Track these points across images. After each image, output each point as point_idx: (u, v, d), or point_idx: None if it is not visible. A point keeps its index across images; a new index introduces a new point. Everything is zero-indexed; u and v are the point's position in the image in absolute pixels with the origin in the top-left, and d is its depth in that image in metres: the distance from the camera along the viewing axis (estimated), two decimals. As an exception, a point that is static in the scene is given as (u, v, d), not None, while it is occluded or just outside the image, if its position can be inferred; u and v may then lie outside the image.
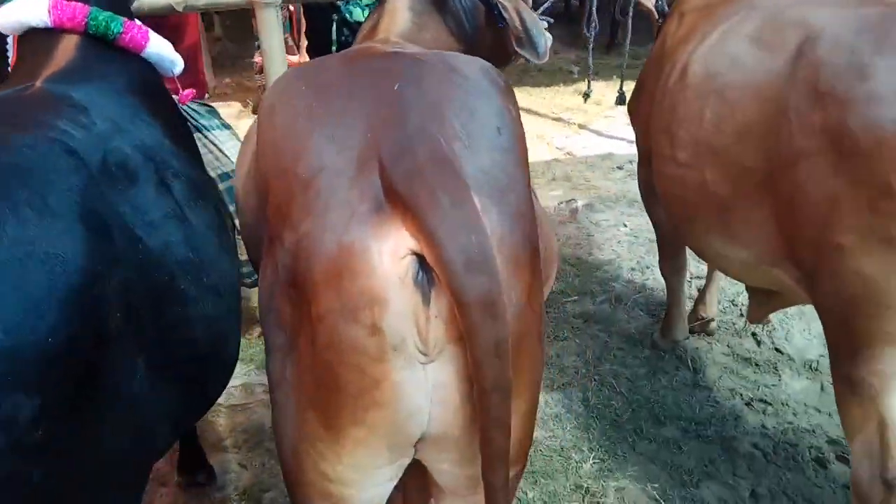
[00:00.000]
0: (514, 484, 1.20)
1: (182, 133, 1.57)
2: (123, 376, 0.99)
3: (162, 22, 2.46)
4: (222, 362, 1.19)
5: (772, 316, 2.92)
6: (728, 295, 3.10)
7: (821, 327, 1.65)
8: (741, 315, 2.98)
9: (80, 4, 1.54)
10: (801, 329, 2.88)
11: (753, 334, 2.87)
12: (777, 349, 2.78)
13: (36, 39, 1.54)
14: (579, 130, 5.51)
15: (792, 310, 2.95)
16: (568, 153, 5.05)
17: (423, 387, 1.00)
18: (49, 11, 1.50)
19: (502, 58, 2.09)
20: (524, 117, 1.27)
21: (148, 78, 1.64)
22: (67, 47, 1.51)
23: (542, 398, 2.48)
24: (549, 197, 4.20)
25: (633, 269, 3.40)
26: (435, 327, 0.96)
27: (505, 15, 2.01)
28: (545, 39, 2.00)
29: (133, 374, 1.01)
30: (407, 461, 1.12)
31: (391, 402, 1.00)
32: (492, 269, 0.93)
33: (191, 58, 2.61)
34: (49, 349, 0.82)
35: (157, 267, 1.14)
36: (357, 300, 0.95)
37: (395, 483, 1.15)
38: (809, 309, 2.67)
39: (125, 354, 0.99)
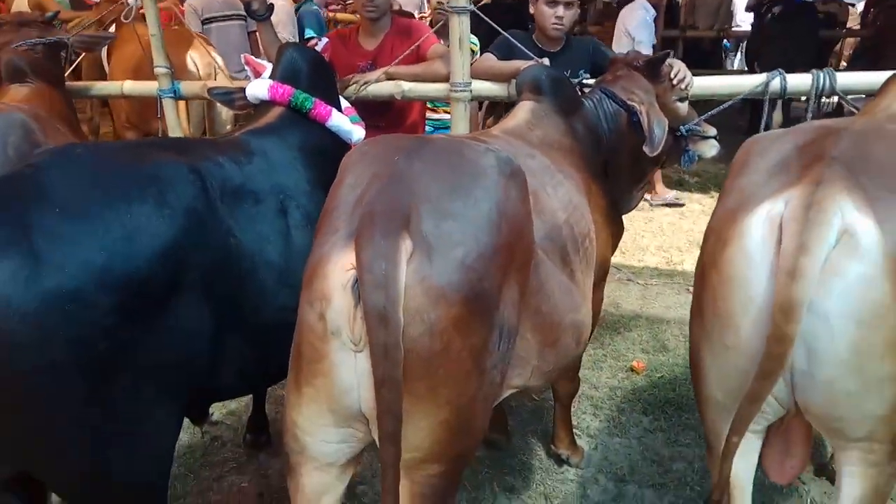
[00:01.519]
0: (435, 483, 1.46)
1: (326, 180, 2.17)
2: (189, 315, 1.56)
3: (389, 105, 3.20)
4: (284, 347, 1.56)
5: None
6: None
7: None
8: None
9: (288, 87, 2.26)
10: None
11: None
12: None
13: (261, 107, 2.30)
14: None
15: None
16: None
17: (353, 369, 1.36)
18: (268, 90, 2.25)
19: (650, 157, 2.37)
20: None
21: (324, 141, 2.29)
22: (273, 114, 2.24)
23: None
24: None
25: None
26: (360, 325, 1.33)
27: (640, 117, 2.29)
28: (660, 133, 2.22)
29: (199, 318, 1.59)
30: (357, 434, 1.48)
31: (329, 374, 1.38)
32: (391, 291, 1.27)
33: (414, 132, 3.31)
34: (134, 276, 1.43)
35: (245, 259, 1.71)
36: (315, 295, 1.37)
37: (348, 450, 1.51)
38: None
39: (193, 301, 1.57)
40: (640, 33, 5.35)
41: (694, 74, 2.58)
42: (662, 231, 5.29)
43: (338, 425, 1.46)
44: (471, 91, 2.87)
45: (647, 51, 5.32)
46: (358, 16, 3.46)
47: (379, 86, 3.00)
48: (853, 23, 8.41)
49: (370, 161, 1.54)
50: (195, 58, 4.26)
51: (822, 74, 2.57)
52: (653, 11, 5.51)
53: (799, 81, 2.62)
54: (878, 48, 6.26)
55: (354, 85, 2.96)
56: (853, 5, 9.69)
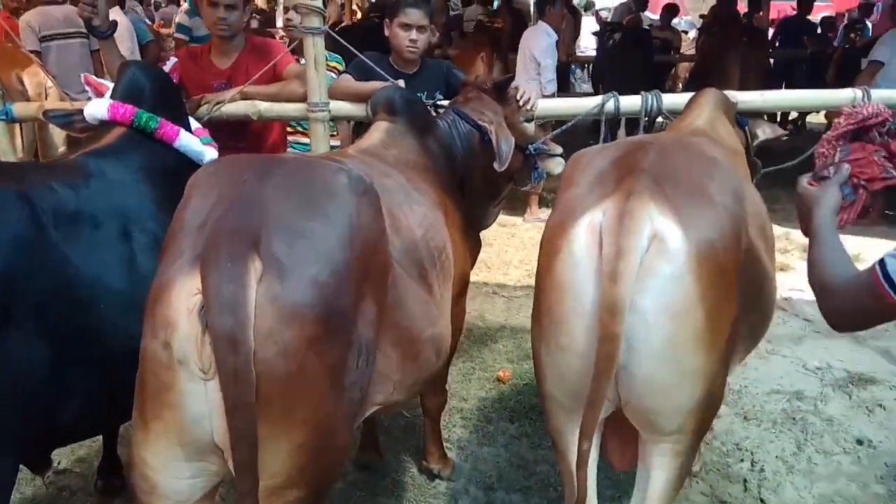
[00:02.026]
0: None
1: (175, 202, 2.09)
2: (20, 348, 1.45)
3: (246, 126, 3.13)
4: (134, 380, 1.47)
5: (766, 466, 2.80)
6: (735, 438, 2.99)
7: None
8: (741, 460, 2.86)
9: (130, 106, 2.15)
10: (800, 485, 2.70)
11: (744, 480, 2.75)
12: (762, 500, 2.64)
13: (100, 128, 2.17)
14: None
15: (801, 464, 2.80)
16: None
17: (203, 398, 1.31)
18: (108, 110, 2.13)
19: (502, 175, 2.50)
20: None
21: (171, 162, 2.19)
22: (114, 135, 2.12)
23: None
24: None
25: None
26: (208, 351, 1.28)
27: (490, 136, 2.40)
28: (507, 150, 2.36)
29: (33, 351, 1.48)
30: (210, 467, 1.41)
31: (178, 405, 1.32)
32: (240, 314, 1.24)
33: (275, 152, 3.24)
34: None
35: (84, 287, 1.61)
36: (159, 322, 1.31)
37: (202, 485, 1.44)
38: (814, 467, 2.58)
39: (25, 334, 1.46)
40: (545, 58, 5.60)
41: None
42: (525, 245, 5.51)
43: (189, 459, 1.39)
44: (329, 111, 2.88)
45: (551, 74, 5.65)
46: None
47: (234, 106, 2.93)
48: (687, 48, 9.29)
49: (217, 181, 1.50)
50: (24, 78, 3.95)
51: (650, 96, 2.83)
52: (555, 35, 5.80)
53: (630, 103, 2.87)
54: (705, 71, 6.96)
55: (206, 105, 2.87)
56: (686, 32, 10.72)
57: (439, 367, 1.99)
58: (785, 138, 3.37)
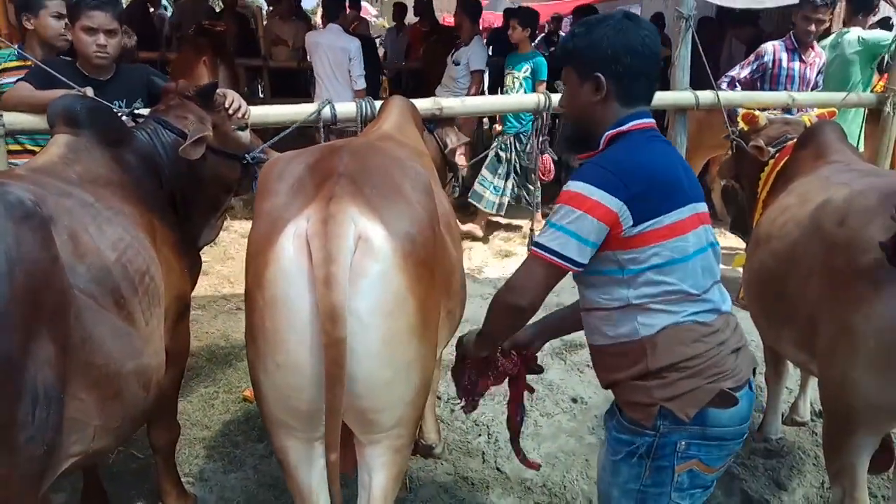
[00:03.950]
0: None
1: None
2: None
3: None
4: None
5: (500, 437, 3.05)
6: (473, 415, 3.22)
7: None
8: (479, 435, 3.08)
9: None
10: (529, 448, 2.99)
11: (483, 454, 2.97)
12: (498, 468, 2.88)
13: None
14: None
15: (528, 429, 3.09)
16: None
17: None
18: None
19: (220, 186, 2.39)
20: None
21: None
22: None
23: None
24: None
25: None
26: None
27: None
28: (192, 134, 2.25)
29: None
30: None
31: None
32: None
33: None
34: None
35: None
36: None
37: None
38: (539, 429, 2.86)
39: None
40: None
41: (280, 102, 2.66)
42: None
43: None
44: (3, 125, 2.48)
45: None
46: None
47: None
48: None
49: None
50: None
51: (363, 103, 2.91)
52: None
53: (347, 109, 2.92)
54: (423, 76, 7.40)
55: None
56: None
57: (152, 402, 1.81)
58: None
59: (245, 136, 2.57)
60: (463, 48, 5.90)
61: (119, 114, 2.48)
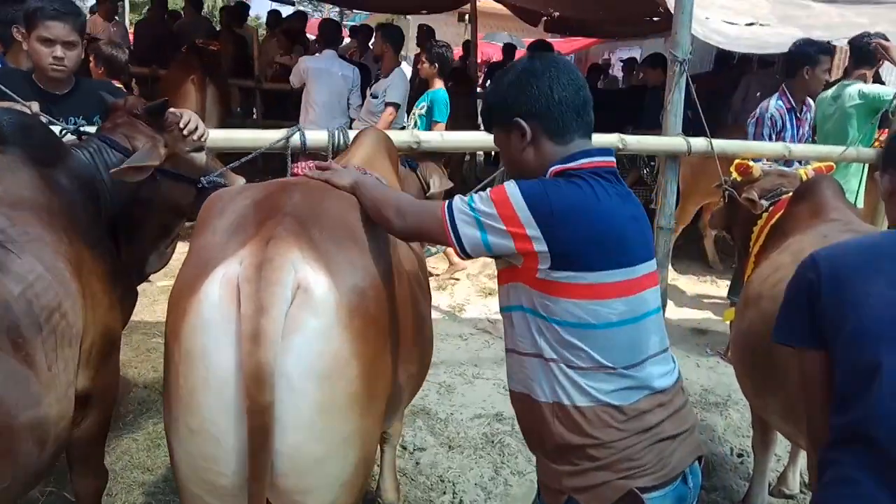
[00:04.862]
0: None
1: None
2: None
3: None
4: None
5: (465, 497, 2.83)
6: (439, 470, 2.99)
7: None
8: (444, 492, 2.86)
9: None
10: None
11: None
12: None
13: None
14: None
15: (498, 488, 2.87)
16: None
17: None
18: None
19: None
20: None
21: None
22: None
23: None
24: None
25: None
26: None
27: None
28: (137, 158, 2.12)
29: None
30: None
31: None
32: None
33: None
34: None
35: None
36: None
37: None
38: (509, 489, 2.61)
39: None
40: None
41: (272, 125, 2.51)
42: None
43: None
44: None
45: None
46: None
47: None
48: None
49: None
50: None
51: (336, 132, 2.75)
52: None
53: (317, 137, 2.76)
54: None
55: None
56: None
57: (48, 459, 1.59)
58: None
59: (200, 157, 2.39)
60: (382, 80, 5.32)
61: (62, 131, 2.30)
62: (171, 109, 2.24)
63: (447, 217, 1.40)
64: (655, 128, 4.72)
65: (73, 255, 1.80)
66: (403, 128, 4.92)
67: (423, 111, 4.89)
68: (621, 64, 10.46)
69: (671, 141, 3.25)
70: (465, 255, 1.41)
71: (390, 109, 5.09)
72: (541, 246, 1.30)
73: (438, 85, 4.95)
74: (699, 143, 3.27)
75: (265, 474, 1.28)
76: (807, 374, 1.40)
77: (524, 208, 1.31)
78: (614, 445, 1.34)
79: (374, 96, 5.25)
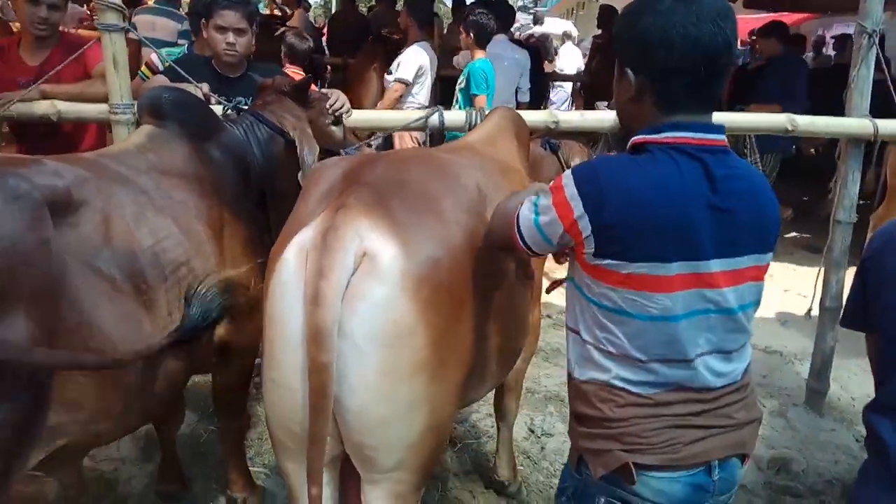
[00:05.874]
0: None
1: None
2: None
3: (55, 126, 2.91)
4: None
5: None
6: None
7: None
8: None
9: None
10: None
11: None
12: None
13: None
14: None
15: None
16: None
17: None
18: None
19: None
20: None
21: None
22: None
23: None
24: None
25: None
26: None
27: (296, 143, 2.28)
28: (311, 161, 2.28)
29: None
30: None
31: None
32: None
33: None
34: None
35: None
36: None
37: None
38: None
39: None
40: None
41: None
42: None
43: None
44: (134, 113, 2.69)
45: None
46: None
47: (30, 105, 2.71)
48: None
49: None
50: None
51: (474, 112, 2.77)
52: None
53: (455, 117, 2.81)
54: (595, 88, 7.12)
55: (-5, 103, 2.64)
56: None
57: (163, 396, 1.78)
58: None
59: (338, 131, 2.55)
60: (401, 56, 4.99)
61: (225, 108, 2.58)
62: (322, 91, 2.42)
63: (515, 226, 1.38)
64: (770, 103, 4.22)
65: (215, 220, 2.02)
66: (421, 107, 4.52)
67: (462, 85, 4.57)
68: (832, 41, 9.28)
69: (854, 122, 2.82)
70: (525, 244, 1.36)
71: (395, 85, 4.81)
72: (586, 229, 1.22)
73: (479, 55, 4.55)
74: (889, 125, 2.80)
75: (324, 428, 1.34)
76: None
77: (572, 187, 1.23)
78: (629, 421, 1.29)
79: (389, 73, 5.01)
